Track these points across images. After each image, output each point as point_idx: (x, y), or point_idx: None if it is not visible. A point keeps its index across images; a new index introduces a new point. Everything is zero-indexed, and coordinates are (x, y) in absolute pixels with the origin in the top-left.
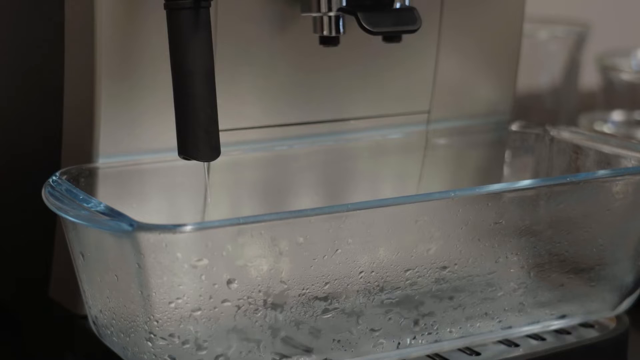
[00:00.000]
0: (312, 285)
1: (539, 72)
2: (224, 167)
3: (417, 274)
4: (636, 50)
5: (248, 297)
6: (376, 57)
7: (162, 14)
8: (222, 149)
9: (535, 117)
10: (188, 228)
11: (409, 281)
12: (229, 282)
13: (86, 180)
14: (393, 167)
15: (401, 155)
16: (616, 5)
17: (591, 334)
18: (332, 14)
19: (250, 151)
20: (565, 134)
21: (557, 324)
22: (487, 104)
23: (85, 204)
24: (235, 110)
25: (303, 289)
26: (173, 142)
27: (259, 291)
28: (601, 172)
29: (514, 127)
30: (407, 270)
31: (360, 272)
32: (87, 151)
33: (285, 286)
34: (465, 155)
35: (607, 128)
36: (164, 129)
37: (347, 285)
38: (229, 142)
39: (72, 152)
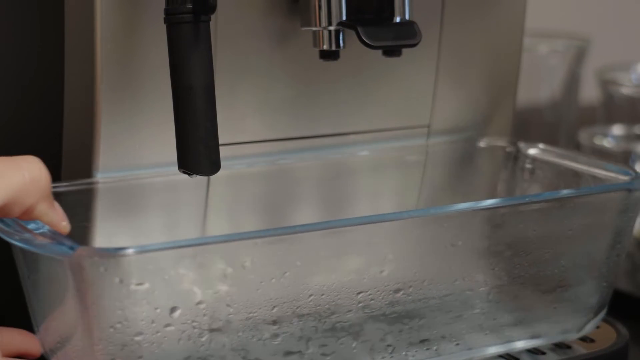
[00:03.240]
0: (260, 309)
1: (539, 86)
2: (224, 181)
3: (370, 297)
4: (636, 64)
5: (192, 322)
6: (376, 72)
7: (163, 28)
8: (222, 163)
9: (535, 131)
10: (128, 252)
11: (361, 304)
12: (172, 306)
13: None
14: (393, 182)
15: (401, 169)
16: (616, 19)
17: (591, 347)
18: (332, 28)
19: (250, 165)
20: (533, 150)
21: (520, 346)
22: (487, 118)
23: (29, 226)
24: (235, 125)
25: (250, 313)
26: (173, 156)
27: (204, 315)
28: (562, 192)
29: (482, 143)
30: (360, 292)
31: (310, 295)
32: (86, 165)
33: (231, 310)
34: (435, 172)
35: (607, 142)
36: (164, 144)
37: (297, 308)
38: (229, 156)
39: (71, 166)
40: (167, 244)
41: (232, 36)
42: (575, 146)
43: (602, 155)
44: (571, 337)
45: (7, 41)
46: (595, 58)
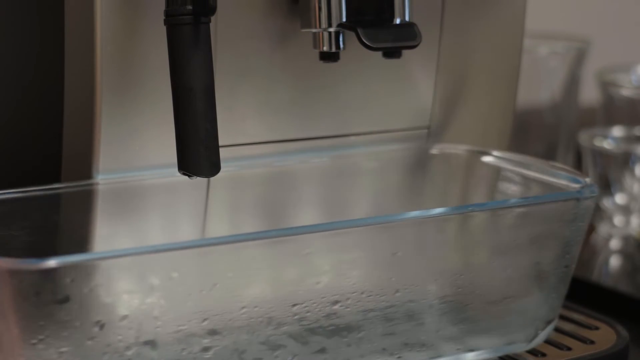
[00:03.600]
0: (189, 321)
1: (538, 88)
2: (224, 182)
3: (306, 309)
4: (636, 66)
5: (118, 335)
6: (376, 73)
7: (163, 30)
8: (222, 165)
9: (535, 132)
10: (50, 263)
11: (297, 316)
12: (96, 319)
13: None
14: (394, 183)
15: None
16: (616, 21)
17: (591, 349)
18: (332, 29)
19: (251, 167)
20: (488, 158)
21: (467, 359)
22: (486, 119)
23: None
24: (235, 126)
25: (179, 326)
26: (173, 157)
27: (130, 328)
28: (506, 202)
29: (435, 150)
30: (295, 305)
31: (243, 307)
32: (87, 167)
33: (159, 323)
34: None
35: (607, 144)
36: (164, 145)
37: (229, 321)
38: (229, 158)
39: (71, 168)
40: (92, 255)
41: (232, 38)
42: (575, 148)
43: (603, 156)
44: (520, 348)
45: (7, 42)
46: (595, 60)
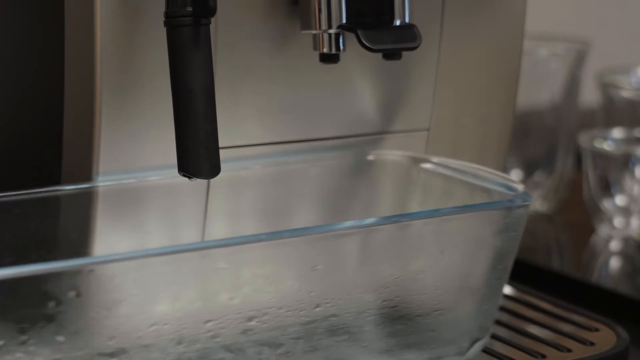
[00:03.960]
0: (96, 340)
1: (538, 89)
2: (224, 184)
3: (220, 326)
4: (636, 67)
5: (16, 355)
6: (376, 75)
7: (163, 31)
8: (222, 166)
9: (535, 134)
10: None
11: (210, 333)
12: None
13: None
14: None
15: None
16: (616, 22)
17: (591, 351)
18: (332, 31)
19: (251, 168)
20: (426, 164)
21: None
22: (486, 121)
23: None
24: (235, 128)
25: (84, 346)
26: (173, 159)
27: (28, 352)
28: (434, 211)
29: (371, 156)
30: (208, 321)
31: (152, 325)
32: (87, 169)
33: (62, 339)
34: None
35: (607, 145)
36: (164, 146)
37: (137, 339)
38: (229, 159)
39: (71, 169)
40: None
41: (232, 39)
42: (575, 149)
43: (603, 158)
44: None
45: (7, 44)
46: (595, 61)
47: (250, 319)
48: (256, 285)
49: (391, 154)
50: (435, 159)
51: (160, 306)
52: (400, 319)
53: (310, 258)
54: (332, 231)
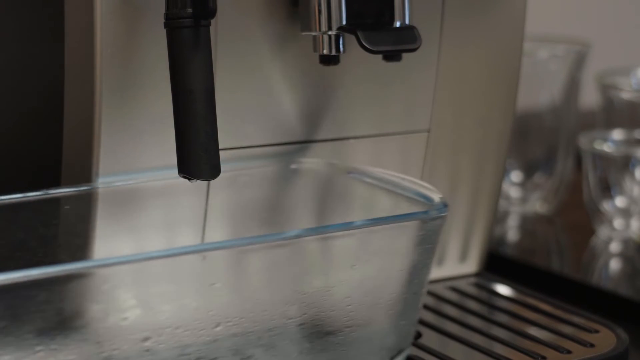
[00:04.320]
0: None
1: (538, 91)
2: (224, 185)
3: (113, 347)
4: (636, 69)
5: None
6: (376, 76)
7: (163, 33)
8: (222, 168)
9: (535, 135)
10: None
11: (103, 354)
12: None
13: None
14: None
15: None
16: (616, 24)
17: (591, 352)
18: (332, 32)
19: (251, 170)
20: (350, 173)
21: None
22: (486, 122)
23: None
24: (235, 129)
25: None
26: (173, 160)
27: None
28: (342, 224)
29: (295, 164)
30: (99, 342)
31: (39, 351)
32: (86, 170)
33: None
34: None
35: (607, 147)
36: (164, 148)
37: None
38: (229, 161)
39: (71, 171)
40: None
41: (232, 41)
42: (575, 151)
43: (602, 159)
44: None
45: (7, 45)
46: (595, 63)
47: (144, 339)
48: (150, 304)
49: (313, 162)
50: (359, 167)
51: (47, 329)
52: (308, 337)
53: (207, 275)
54: (229, 247)
